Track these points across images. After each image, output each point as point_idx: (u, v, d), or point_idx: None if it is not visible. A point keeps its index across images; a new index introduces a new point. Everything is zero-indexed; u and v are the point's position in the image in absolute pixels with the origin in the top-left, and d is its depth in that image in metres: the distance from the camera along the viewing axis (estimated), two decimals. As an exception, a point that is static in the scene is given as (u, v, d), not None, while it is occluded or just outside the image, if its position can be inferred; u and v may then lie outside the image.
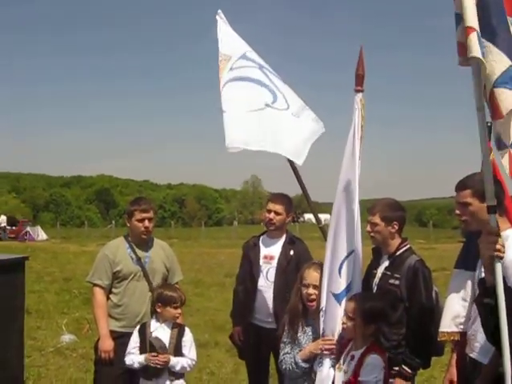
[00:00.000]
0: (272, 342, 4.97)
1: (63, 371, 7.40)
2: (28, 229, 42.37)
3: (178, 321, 4.42)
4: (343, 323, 3.59)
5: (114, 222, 53.21)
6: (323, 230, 4.44)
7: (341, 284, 3.71)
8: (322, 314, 3.75)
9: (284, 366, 3.93)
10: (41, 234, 42.59)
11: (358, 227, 3.73)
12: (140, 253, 4.68)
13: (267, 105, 4.43)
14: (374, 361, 3.47)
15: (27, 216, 73.77)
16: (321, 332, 3.76)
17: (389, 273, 4.03)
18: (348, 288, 3.70)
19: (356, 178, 3.69)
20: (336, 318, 3.70)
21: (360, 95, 3.80)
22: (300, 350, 3.87)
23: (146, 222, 4.65)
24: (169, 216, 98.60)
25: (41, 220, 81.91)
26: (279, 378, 5.14)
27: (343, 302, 3.68)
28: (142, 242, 4.73)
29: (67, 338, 9.14)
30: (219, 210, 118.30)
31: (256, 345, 5.16)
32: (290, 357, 3.89)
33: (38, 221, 72.37)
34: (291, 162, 4.49)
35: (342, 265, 3.71)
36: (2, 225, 42.43)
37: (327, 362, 3.69)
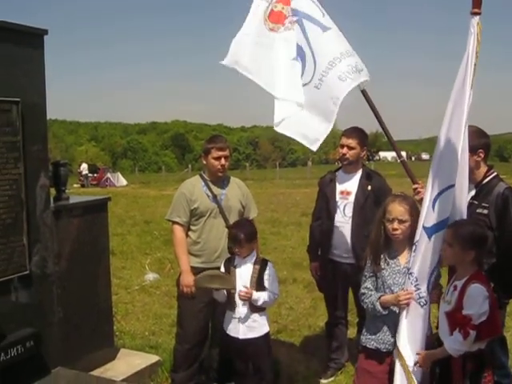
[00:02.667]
0: (350, 277, 4.97)
1: (148, 307, 7.73)
2: (109, 175, 43.82)
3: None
4: (443, 250, 3.44)
5: (190, 166, 54.11)
6: (404, 163, 4.28)
7: (432, 218, 3.49)
8: (414, 248, 3.59)
9: (364, 305, 3.88)
10: (121, 180, 43.90)
11: (464, 161, 3.45)
12: (216, 190, 4.71)
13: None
14: (476, 291, 3.29)
15: (107, 163, 76.38)
16: (409, 266, 3.66)
17: (476, 202, 3.87)
18: (442, 224, 3.47)
19: (465, 109, 3.37)
20: (424, 252, 3.51)
21: (477, 18, 3.35)
22: (383, 285, 3.80)
23: (223, 160, 4.66)
24: (243, 158, 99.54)
25: (120, 167, 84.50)
26: (358, 312, 5.17)
27: (433, 238, 3.48)
28: (218, 180, 4.76)
29: (151, 276, 9.48)
30: (293, 150, 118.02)
31: (334, 280, 5.17)
32: (370, 295, 3.81)
33: (117, 167, 74.72)
34: (366, 96, 4.29)
35: (436, 198, 3.48)
36: (84, 172, 43.98)
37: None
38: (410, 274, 3.58)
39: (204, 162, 4.82)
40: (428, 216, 3.51)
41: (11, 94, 3.83)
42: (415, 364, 3.51)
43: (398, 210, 3.74)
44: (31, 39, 4.01)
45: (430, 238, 3.49)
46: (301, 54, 4.24)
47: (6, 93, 3.80)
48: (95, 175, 45.51)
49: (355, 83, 4.03)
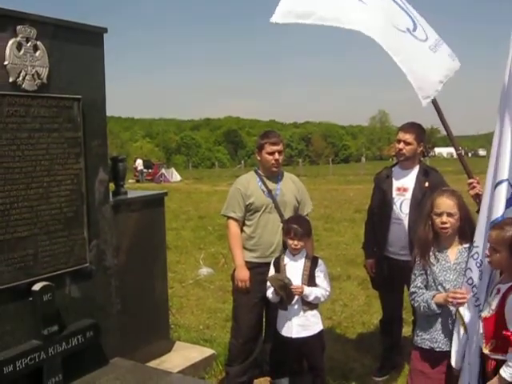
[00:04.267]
0: (406, 275, 4.89)
1: (202, 301, 7.83)
2: (163, 171, 44.47)
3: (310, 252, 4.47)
4: (487, 256, 3.31)
5: (242, 162, 54.36)
6: (461, 157, 4.19)
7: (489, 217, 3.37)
8: (474, 250, 3.50)
9: (414, 303, 3.83)
10: (175, 176, 44.49)
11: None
12: (271, 185, 4.72)
13: (408, 29, 3.98)
14: None
15: (161, 159, 77.54)
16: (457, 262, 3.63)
17: None
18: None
19: None
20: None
21: None
22: (434, 282, 3.74)
23: (276, 155, 4.67)
24: (296, 154, 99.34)
25: (174, 162, 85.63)
26: (413, 311, 5.09)
27: None
28: (272, 175, 4.77)
29: (205, 271, 9.59)
30: (346, 146, 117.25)
31: (390, 277, 5.11)
32: (421, 294, 3.76)
33: (171, 163, 75.70)
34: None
35: (491, 196, 3.37)
36: (139, 168, 44.78)
37: (471, 304, 3.48)
38: (470, 279, 3.49)
39: (258, 158, 4.83)
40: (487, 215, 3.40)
41: (73, 92, 3.93)
42: None
43: (446, 203, 3.70)
44: (92, 37, 4.10)
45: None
46: (409, 14, 4.10)
47: (68, 90, 3.90)
48: (150, 171, 46.27)
49: (457, 67, 4.04)
